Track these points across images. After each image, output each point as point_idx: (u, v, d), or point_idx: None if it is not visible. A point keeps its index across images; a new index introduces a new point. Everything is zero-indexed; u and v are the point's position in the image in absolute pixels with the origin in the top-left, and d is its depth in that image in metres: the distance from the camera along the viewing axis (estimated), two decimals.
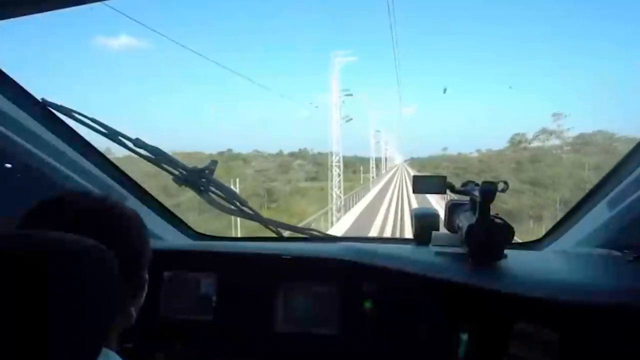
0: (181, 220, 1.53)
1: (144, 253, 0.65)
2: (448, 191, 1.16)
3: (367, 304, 1.15)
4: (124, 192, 1.31)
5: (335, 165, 18.88)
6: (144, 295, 0.68)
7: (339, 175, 19.32)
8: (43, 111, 1.11)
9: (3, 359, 0.39)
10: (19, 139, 1.00)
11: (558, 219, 1.34)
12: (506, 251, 1.04)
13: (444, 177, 1.16)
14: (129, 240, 0.62)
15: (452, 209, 1.20)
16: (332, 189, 18.47)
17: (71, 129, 1.18)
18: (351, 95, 21.41)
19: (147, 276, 0.67)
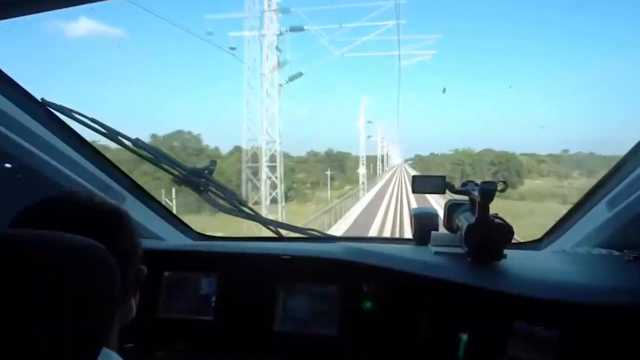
0: (181, 220, 1.53)
1: (136, 249, 0.65)
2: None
3: (367, 304, 1.15)
4: (124, 191, 1.31)
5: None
6: (138, 293, 0.67)
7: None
8: (43, 111, 1.11)
9: (3, 358, 0.39)
10: (19, 139, 1.00)
11: None
12: (505, 251, 1.04)
13: (443, 177, 1.16)
14: (122, 238, 0.62)
15: (452, 208, 1.20)
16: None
17: (71, 129, 1.18)
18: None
19: (139, 273, 0.67)
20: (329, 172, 29.76)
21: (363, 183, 27.69)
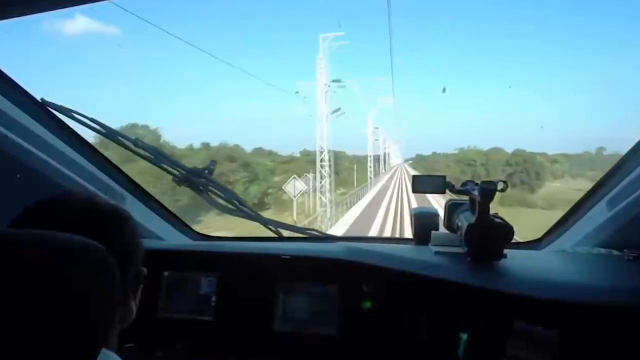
0: (181, 220, 1.53)
1: (137, 249, 0.65)
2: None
3: (367, 304, 1.15)
4: (124, 192, 1.31)
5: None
6: (139, 293, 0.67)
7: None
8: (43, 111, 1.11)
9: (3, 358, 0.39)
10: (18, 139, 1.00)
11: None
12: (506, 251, 1.04)
13: (444, 177, 1.16)
14: (123, 238, 0.61)
15: (452, 208, 1.20)
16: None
17: (71, 129, 1.18)
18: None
19: (140, 274, 0.67)
20: (310, 175, 15.66)
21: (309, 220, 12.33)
